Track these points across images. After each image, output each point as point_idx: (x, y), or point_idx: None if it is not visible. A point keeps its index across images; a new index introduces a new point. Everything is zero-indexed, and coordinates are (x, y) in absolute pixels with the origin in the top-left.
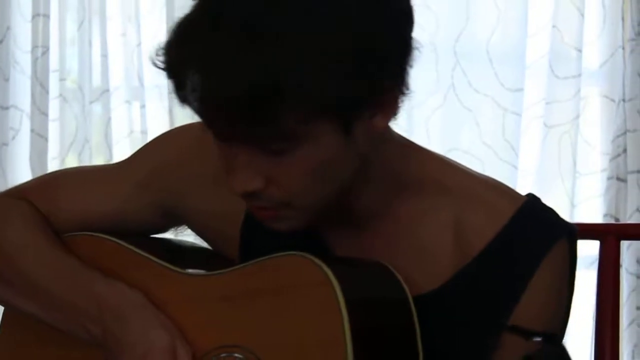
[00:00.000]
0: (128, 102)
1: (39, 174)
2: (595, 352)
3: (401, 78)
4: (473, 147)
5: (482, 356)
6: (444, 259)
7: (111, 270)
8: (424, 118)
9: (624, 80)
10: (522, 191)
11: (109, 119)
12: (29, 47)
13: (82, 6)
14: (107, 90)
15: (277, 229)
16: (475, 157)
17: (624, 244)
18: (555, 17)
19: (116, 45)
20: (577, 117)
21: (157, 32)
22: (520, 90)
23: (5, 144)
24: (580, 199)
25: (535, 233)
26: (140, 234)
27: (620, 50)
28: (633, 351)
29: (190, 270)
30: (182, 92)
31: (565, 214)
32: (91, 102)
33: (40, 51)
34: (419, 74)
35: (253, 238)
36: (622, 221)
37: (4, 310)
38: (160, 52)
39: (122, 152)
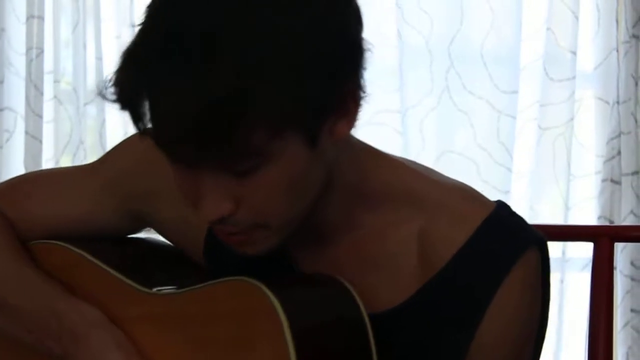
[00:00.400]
0: None
1: None
2: (589, 354)
3: (359, 81)
4: (467, 149)
5: None
6: (409, 272)
7: (73, 284)
8: (418, 120)
9: (618, 83)
10: (517, 194)
11: (104, 120)
12: (23, 49)
13: (77, 8)
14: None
15: (251, 254)
16: (469, 159)
17: (618, 246)
18: (550, 19)
19: (111, 48)
20: (572, 119)
21: None
22: (515, 92)
23: (0, 146)
24: (575, 201)
25: (503, 242)
26: (108, 237)
27: (615, 52)
28: (627, 353)
29: (154, 290)
30: (140, 122)
31: (559, 216)
32: (86, 104)
33: (34, 53)
34: (413, 76)
35: (218, 245)
36: (617, 223)
37: None
38: (110, 83)
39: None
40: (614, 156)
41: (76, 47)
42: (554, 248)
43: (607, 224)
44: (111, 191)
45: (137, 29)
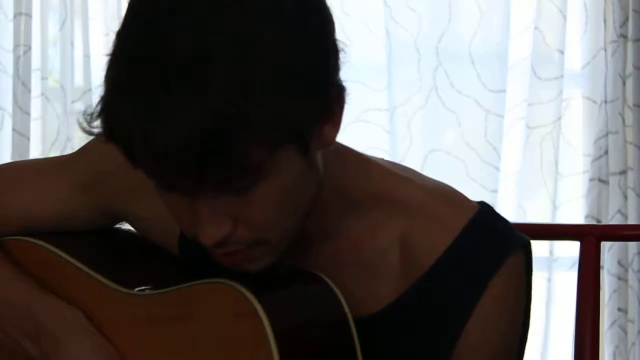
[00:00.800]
0: None
1: None
2: (576, 353)
3: (340, 83)
4: (455, 148)
5: None
6: (392, 277)
7: (48, 282)
8: (406, 119)
9: (605, 82)
10: (504, 193)
11: None
12: (10, 46)
13: (64, 6)
14: (90, 90)
15: (249, 272)
16: (457, 158)
17: (605, 246)
18: (538, 18)
19: (98, 45)
20: (559, 118)
21: None
22: (503, 91)
23: None
24: (562, 201)
25: (486, 247)
26: (80, 233)
27: (602, 52)
28: (614, 352)
29: (135, 290)
30: (132, 156)
31: (547, 216)
32: (73, 102)
33: (22, 50)
34: (401, 75)
35: (190, 245)
36: (604, 222)
37: None
38: (96, 116)
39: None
40: (601, 155)
41: (64, 44)
42: (541, 247)
43: (595, 223)
44: (88, 191)
45: (112, 55)
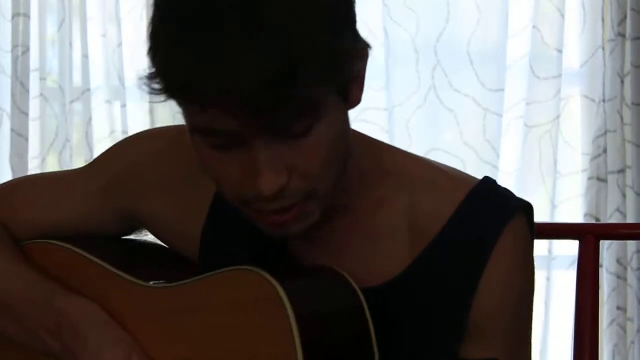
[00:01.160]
0: (109, 102)
1: (20, 174)
2: (575, 352)
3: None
4: (454, 147)
5: (448, 343)
6: (402, 246)
7: (69, 281)
8: (405, 118)
9: (604, 81)
10: None
11: (90, 119)
12: (9, 47)
13: (63, 6)
14: (88, 90)
15: (292, 234)
16: (456, 157)
17: (604, 244)
18: (536, 17)
19: (97, 46)
20: (558, 117)
21: (138, 33)
22: (501, 90)
23: None
24: (561, 199)
25: (490, 210)
26: (99, 237)
27: (601, 50)
28: (613, 351)
29: (152, 283)
30: (204, 104)
31: (546, 214)
32: (72, 102)
33: (20, 51)
34: (400, 75)
35: (214, 240)
36: (603, 221)
37: None
38: (158, 69)
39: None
40: (600, 154)
41: (62, 45)
42: (540, 246)
43: (594, 222)
44: (106, 195)
45: (161, 12)
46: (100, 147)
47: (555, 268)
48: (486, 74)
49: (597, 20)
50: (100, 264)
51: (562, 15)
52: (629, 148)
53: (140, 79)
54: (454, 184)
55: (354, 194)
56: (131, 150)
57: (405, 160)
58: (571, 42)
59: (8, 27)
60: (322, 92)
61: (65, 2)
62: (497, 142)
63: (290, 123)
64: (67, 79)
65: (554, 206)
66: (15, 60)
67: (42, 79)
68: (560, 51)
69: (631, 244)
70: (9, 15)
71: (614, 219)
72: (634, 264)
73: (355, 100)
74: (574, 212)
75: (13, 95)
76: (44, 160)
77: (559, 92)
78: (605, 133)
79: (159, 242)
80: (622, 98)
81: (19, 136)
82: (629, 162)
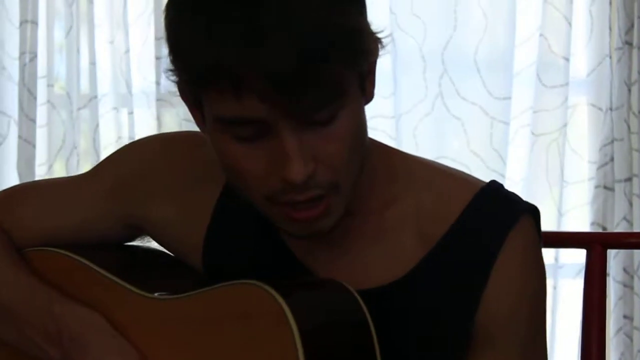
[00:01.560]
0: (116, 108)
1: (27, 180)
2: None
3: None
4: (461, 155)
5: (451, 344)
6: (408, 246)
7: (71, 290)
8: (411, 126)
9: (611, 89)
10: None
11: (97, 125)
12: (16, 54)
13: (70, 13)
14: (95, 97)
15: (319, 230)
16: (463, 165)
17: (611, 253)
18: (543, 26)
19: (104, 52)
20: (565, 125)
21: (145, 39)
22: (508, 98)
23: None
24: (568, 208)
25: (497, 212)
26: (101, 244)
27: (608, 59)
28: (620, 359)
29: (156, 294)
30: (238, 88)
31: (552, 223)
32: (79, 109)
33: (28, 57)
34: (406, 82)
35: (217, 245)
36: (609, 230)
37: None
38: (188, 57)
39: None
40: (606, 162)
41: (70, 51)
42: (547, 254)
43: (600, 230)
44: (107, 201)
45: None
46: (107, 153)
47: (562, 276)
48: (493, 81)
49: (604, 29)
50: (102, 273)
51: (569, 24)
52: (636, 156)
53: (166, 72)
54: (460, 185)
55: (360, 195)
56: (132, 157)
57: (412, 163)
58: (578, 50)
59: (16, 33)
60: (348, 77)
61: (72, 8)
62: (504, 150)
63: (318, 108)
64: (74, 85)
65: (560, 214)
66: (22, 67)
67: (50, 85)
68: (567, 59)
69: (638, 253)
70: (16, 22)
71: (621, 228)
72: None
73: (370, 95)
74: (580, 221)
75: (20, 102)
76: (50, 166)
77: (565, 100)
78: (612, 141)
79: (161, 248)
80: (629, 106)
81: (26, 143)
82: (635, 170)
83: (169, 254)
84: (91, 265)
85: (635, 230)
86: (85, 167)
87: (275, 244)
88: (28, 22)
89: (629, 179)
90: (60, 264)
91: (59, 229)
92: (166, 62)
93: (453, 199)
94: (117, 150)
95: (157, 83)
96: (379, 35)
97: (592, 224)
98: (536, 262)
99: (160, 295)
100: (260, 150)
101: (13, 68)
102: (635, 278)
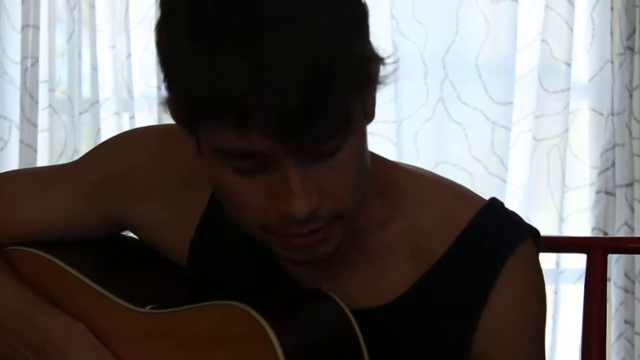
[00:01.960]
0: (117, 113)
1: None
2: None
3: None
4: (462, 160)
5: None
6: (403, 267)
7: (51, 295)
8: (412, 131)
9: (612, 95)
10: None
11: (99, 130)
12: (18, 58)
13: (72, 18)
14: (97, 102)
15: (318, 257)
16: (464, 170)
17: (612, 258)
18: (545, 31)
19: (106, 57)
20: (566, 130)
21: (146, 44)
22: (510, 103)
23: None
24: (569, 213)
25: (497, 233)
26: (83, 241)
27: (609, 64)
28: None
29: (147, 308)
30: (243, 121)
31: (553, 228)
32: (80, 113)
33: (29, 62)
34: (408, 87)
35: (204, 249)
36: (611, 235)
37: None
38: (186, 91)
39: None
40: (608, 168)
41: (71, 56)
42: (548, 259)
43: (601, 235)
44: (91, 198)
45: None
46: None
47: (562, 281)
48: (494, 87)
49: (605, 34)
50: (84, 280)
51: (571, 29)
52: (637, 161)
53: (163, 104)
54: (459, 204)
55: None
56: (121, 152)
57: (404, 177)
58: (580, 55)
59: (17, 38)
60: (353, 105)
61: (74, 13)
62: (505, 155)
63: (324, 140)
64: (75, 90)
65: (561, 219)
66: (24, 72)
67: (51, 90)
68: (568, 64)
69: (639, 258)
70: (18, 27)
71: (622, 233)
72: None
73: (371, 115)
74: (581, 226)
75: (22, 107)
76: None
77: (567, 105)
78: (614, 146)
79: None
80: (631, 111)
81: (28, 147)
82: (637, 175)
83: (153, 251)
84: (72, 271)
85: (637, 235)
86: None
87: (263, 258)
88: (30, 26)
89: (630, 184)
90: (42, 267)
91: (41, 224)
92: None
93: (452, 219)
94: (100, 145)
95: (159, 88)
96: (384, 57)
97: (593, 229)
98: (537, 285)
99: (149, 308)
100: (261, 183)
101: (15, 72)
102: (637, 283)
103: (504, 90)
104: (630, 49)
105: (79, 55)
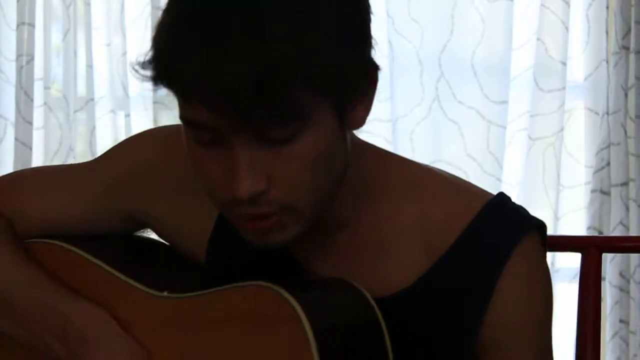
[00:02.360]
0: (113, 111)
1: None
2: None
3: (373, 59)
4: (457, 159)
5: (459, 356)
6: (412, 258)
7: (75, 285)
8: (408, 130)
9: (608, 94)
10: None
11: (94, 128)
12: (13, 56)
13: (67, 16)
14: (92, 100)
15: (272, 243)
16: (459, 169)
17: (607, 257)
18: (540, 30)
19: (101, 55)
20: (562, 129)
21: (142, 43)
22: (505, 102)
23: None
24: (564, 212)
25: (504, 225)
26: (104, 236)
27: (605, 63)
28: None
29: (165, 293)
30: (189, 94)
31: (548, 227)
32: (76, 111)
33: (24, 60)
34: (403, 86)
35: (222, 246)
36: (606, 234)
37: None
38: (151, 55)
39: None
40: (603, 167)
41: (67, 54)
42: None
43: (596, 234)
44: (109, 195)
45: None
46: None
47: (557, 280)
48: (490, 86)
49: (601, 33)
50: (106, 269)
51: (566, 28)
52: (632, 161)
53: (137, 64)
54: (467, 198)
55: (358, 205)
56: (141, 150)
57: (412, 171)
58: (575, 54)
59: (12, 36)
60: (312, 101)
61: (69, 11)
62: (501, 154)
63: (271, 127)
64: (71, 88)
65: (556, 218)
66: (19, 69)
67: (46, 88)
68: (564, 64)
69: (634, 257)
70: (13, 25)
71: (617, 232)
72: (637, 277)
73: (358, 120)
74: (576, 225)
75: (17, 104)
76: None
77: (562, 104)
78: (609, 146)
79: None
80: (626, 111)
81: (23, 145)
82: (632, 174)
83: (169, 247)
84: (94, 260)
85: (632, 234)
86: None
87: (280, 253)
88: (25, 24)
89: (625, 184)
90: (63, 258)
91: (59, 219)
92: None
93: (461, 210)
94: (120, 144)
95: (154, 86)
96: (375, 70)
97: (589, 228)
98: (542, 274)
99: (168, 293)
100: (216, 158)
101: (10, 70)
102: (632, 282)
103: (500, 89)
104: (626, 48)
105: (75, 53)
